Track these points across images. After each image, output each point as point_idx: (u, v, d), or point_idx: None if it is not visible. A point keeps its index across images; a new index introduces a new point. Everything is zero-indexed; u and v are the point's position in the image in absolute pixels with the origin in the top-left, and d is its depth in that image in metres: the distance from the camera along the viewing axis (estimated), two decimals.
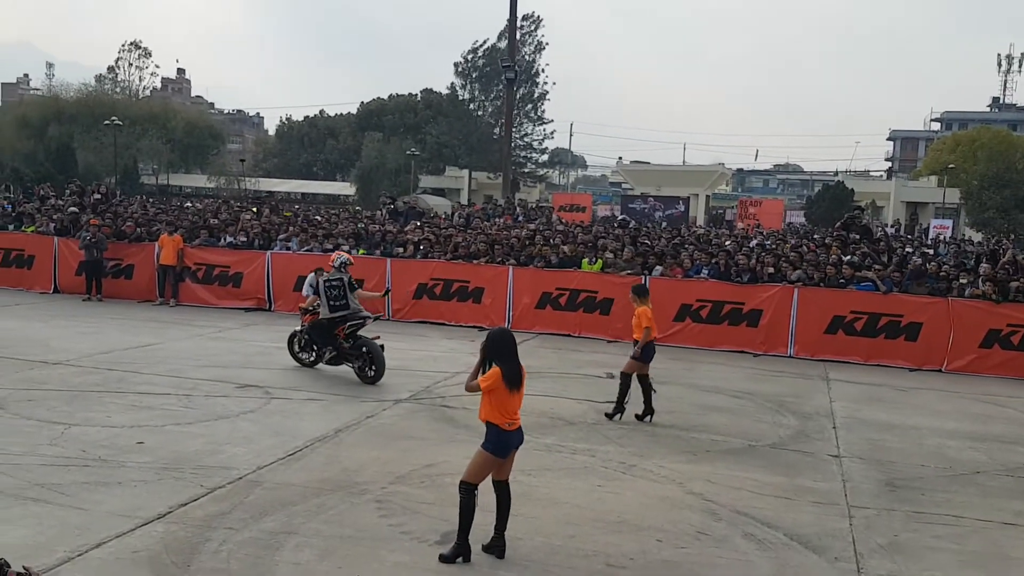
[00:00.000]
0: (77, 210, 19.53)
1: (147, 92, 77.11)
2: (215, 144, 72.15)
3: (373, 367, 10.96)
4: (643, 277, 14.98)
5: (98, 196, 22.49)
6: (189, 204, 33.69)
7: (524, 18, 62.65)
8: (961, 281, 14.38)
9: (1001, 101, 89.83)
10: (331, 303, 11.11)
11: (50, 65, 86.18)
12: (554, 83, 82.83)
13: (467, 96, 69.56)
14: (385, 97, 73.79)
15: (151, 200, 34.56)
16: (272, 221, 19.72)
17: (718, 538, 6.21)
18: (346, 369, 11.15)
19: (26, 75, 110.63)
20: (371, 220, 22.05)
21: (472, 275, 16.03)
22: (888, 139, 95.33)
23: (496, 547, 5.65)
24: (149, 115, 66.20)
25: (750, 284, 14.71)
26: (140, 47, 74.60)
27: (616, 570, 5.59)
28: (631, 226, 25.56)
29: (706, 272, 15.15)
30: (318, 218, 23.10)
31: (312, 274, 15.39)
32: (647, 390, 9.47)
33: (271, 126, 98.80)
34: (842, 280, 14.48)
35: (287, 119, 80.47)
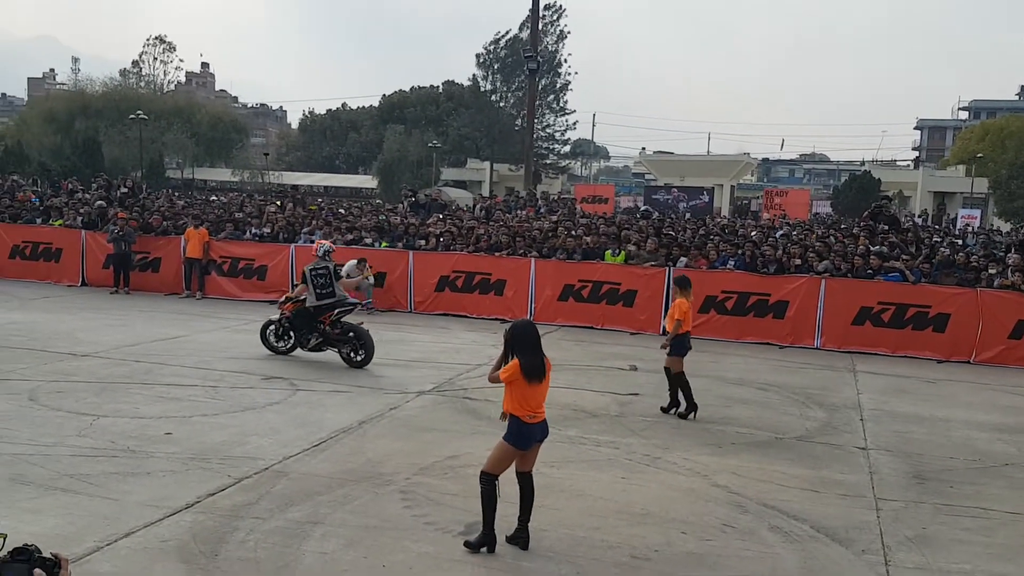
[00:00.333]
0: (104, 203, 19.74)
1: (171, 86, 77.66)
2: (239, 138, 72.59)
3: (362, 352, 11.19)
4: (667, 269, 14.92)
5: (125, 190, 22.73)
6: (215, 198, 33.97)
7: (546, 7, 62.32)
8: (990, 271, 14.20)
9: None
10: (318, 291, 11.34)
11: (75, 60, 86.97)
12: (576, 73, 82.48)
13: (489, 88, 69.40)
14: (407, 89, 73.82)
15: (176, 194, 34.82)
16: (297, 214, 19.82)
17: (744, 531, 6.17)
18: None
19: (52, 70, 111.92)
20: (393, 212, 22.10)
21: (494, 267, 16.02)
22: (915, 128, 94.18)
23: (520, 538, 5.66)
24: (174, 109, 66.72)
25: (776, 275, 14.59)
26: (164, 41, 75.09)
27: (641, 562, 5.58)
28: (655, 217, 25.44)
29: (732, 263, 15.04)
30: (342, 211, 23.20)
31: (350, 262, 15.71)
32: (678, 385, 9.41)
33: (294, 120, 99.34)
34: (870, 271, 14.33)
35: (310, 112, 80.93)
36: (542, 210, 25.55)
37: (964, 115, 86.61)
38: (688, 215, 35.23)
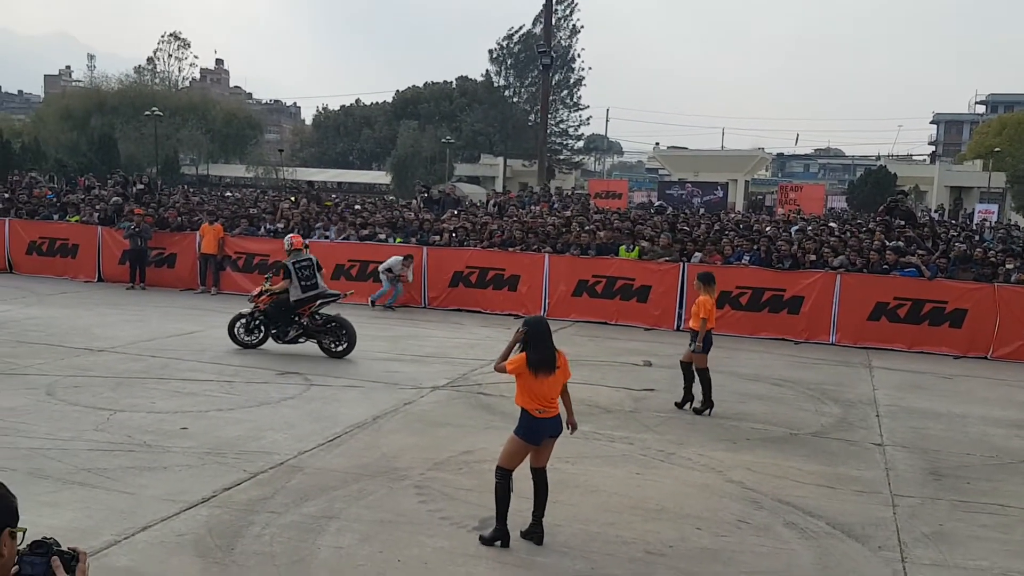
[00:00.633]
0: (121, 200, 19.86)
1: (186, 83, 77.94)
2: (253, 134, 72.79)
3: (344, 342, 11.32)
4: (681, 264, 14.88)
5: (141, 186, 22.86)
6: (229, 194, 34.10)
7: (558, 1, 62.15)
8: (1007, 266, 14.07)
9: None
10: (302, 283, 11.45)
11: (91, 57, 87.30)
12: (590, 68, 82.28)
13: (502, 83, 69.27)
14: (420, 85, 73.81)
15: (191, 190, 35.00)
16: (311, 210, 19.87)
17: (759, 526, 6.15)
18: (377, 354, 11.21)
19: (68, 67, 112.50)
20: (407, 208, 22.13)
21: (508, 263, 16.02)
22: (931, 122, 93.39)
23: (535, 533, 5.66)
24: (189, 106, 66.98)
25: (791, 270, 14.52)
26: (179, 38, 75.32)
27: (655, 557, 5.57)
28: (669, 212, 25.36)
29: (747, 259, 14.98)
30: (358, 207, 23.25)
31: (394, 257, 15.73)
32: (690, 379, 9.38)
33: (308, 116, 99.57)
34: (885, 266, 14.24)
35: (323, 109, 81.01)
36: (556, 205, 25.52)
37: (981, 109, 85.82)
38: (702, 210, 35.11)
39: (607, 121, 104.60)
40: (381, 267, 15.95)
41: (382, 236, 17.41)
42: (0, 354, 10.64)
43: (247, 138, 70.40)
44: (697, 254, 15.39)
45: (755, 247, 15.29)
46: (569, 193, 33.30)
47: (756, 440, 8.39)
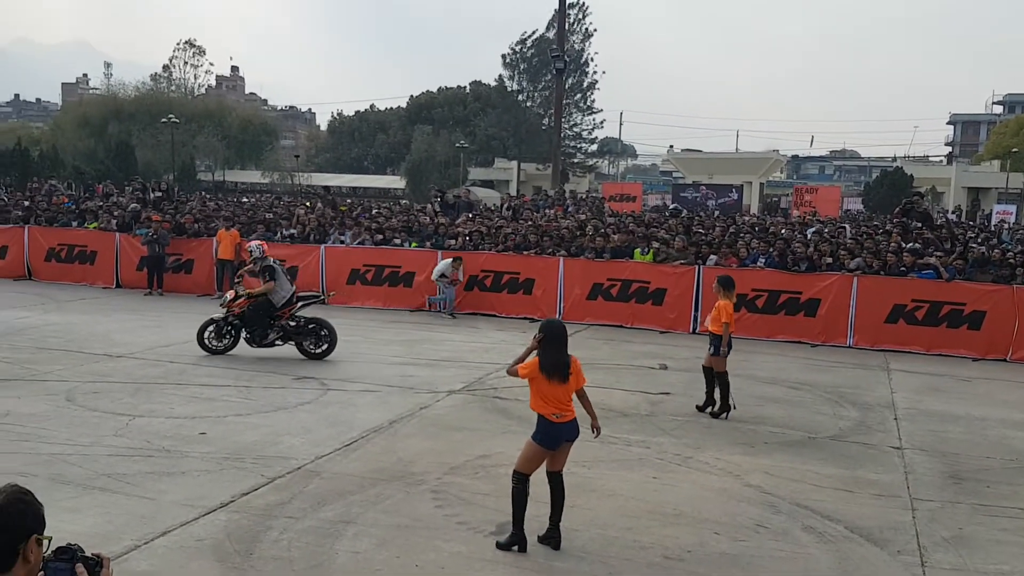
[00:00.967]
0: (139, 206, 20.01)
1: (202, 90, 78.51)
2: (269, 140, 73.19)
3: (325, 343, 11.38)
4: (696, 267, 14.84)
5: (159, 193, 23.03)
6: (246, 199, 34.29)
7: (571, 6, 62.14)
8: None
9: None
10: (289, 286, 11.59)
11: (108, 65, 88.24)
12: (603, 72, 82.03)
13: (515, 87, 69.38)
14: (434, 90, 74.07)
15: (208, 196, 35.23)
16: (326, 215, 19.96)
17: (777, 531, 6.12)
18: (393, 358, 11.23)
19: (85, 75, 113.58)
20: (422, 212, 22.17)
21: (523, 266, 16.03)
22: (948, 123, 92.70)
23: (552, 538, 5.66)
24: (205, 112, 67.46)
25: (807, 273, 14.45)
26: (195, 45, 75.88)
27: (674, 562, 5.55)
28: (684, 215, 25.29)
29: (762, 261, 14.92)
30: (376, 211, 23.32)
31: (444, 261, 15.48)
32: (711, 383, 9.36)
33: (323, 121, 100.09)
34: (903, 268, 14.15)
35: (338, 114, 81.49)
36: (570, 209, 25.52)
37: (998, 109, 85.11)
38: (717, 213, 35.00)
39: (621, 124, 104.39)
40: (434, 275, 15.84)
41: (397, 241, 17.45)
42: (20, 360, 10.75)
43: (263, 144, 70.83)
44: (712, 257, 15.35)
45: (771, 249, 15.23)
46: (583, 197, 33.26)
47: (774, 444, 8.36)
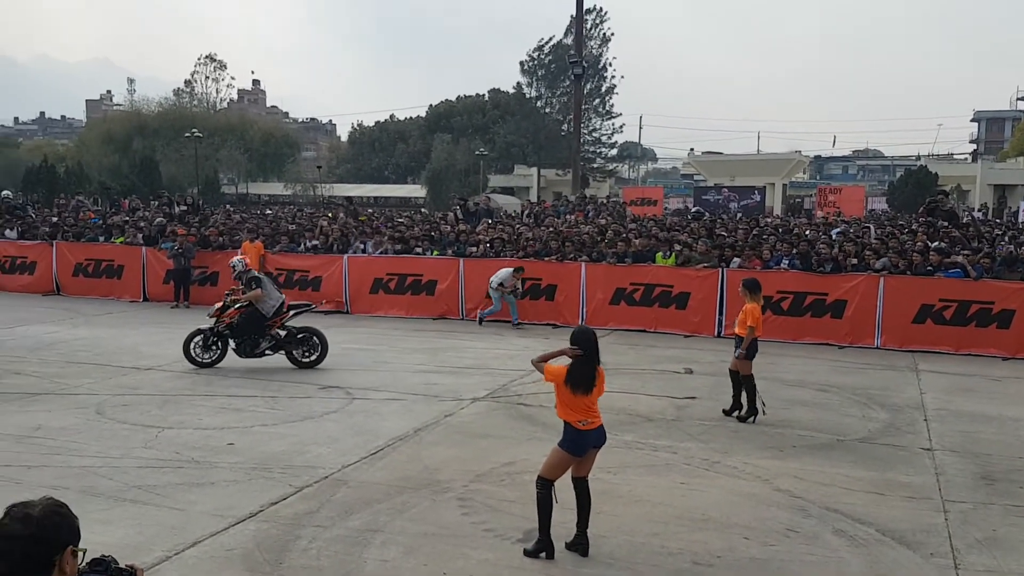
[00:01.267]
0: (164, 220, 20.23)
1: (224, 104, 79.37)
2: (291, 152, 73.86)
3: (316, 352, 11.44)
4: (720, 270, 14.76)
5: (184, 207, 23.27)
6: (269, 211, 34.56)
7: (587, 11, 62.15)
8: None
9: None
10: (278, 295, 11.65)
11: (131, 81, 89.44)
12: (622, 76, 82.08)
13: (534, 94, 69.45)
14: (453, 99, 74.39)
15: (232, 209, 35.55)
16: (348, 224, 20.07)
17: (808, 535, 6.07)
18: (417, 366, 11.25)
19: (108, 91, 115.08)
20: (443, 220, 22.24)
21: (545, 272, 16.01)
22: (972, 120, 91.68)
23: (579, 545, 5.64)
24: (227, 126, 68.19)
25: (833, 274, 14.33)
26: (215, 60, 76.74)
27: (703, 568, 5.51)
28: (706, 218, 25.19)
29: (786, 263, 14.82)
30: (399, 220, 23.41)
31: (504, 270, 15.38)
32: (738, 386, 9.30)
33: (343, 132, 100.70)
34: (929, 267, 14.00)
35: (359, 125, 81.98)
36: (590, 214, 25.49)
37: (1023, 105, 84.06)
38: (739, 215, 34.81)
39: (640, 128, 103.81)
40: (492, 284, 15.54)
41: (419, 249, 17.50)
42: (50, 374, 10.89)
43: (285, 156, 71.45)
44: (736, 259, 15.26)
45: (795, 251, 15.12)
46: (603, 201, 33.20)
47: (802, 447, 8.29)
